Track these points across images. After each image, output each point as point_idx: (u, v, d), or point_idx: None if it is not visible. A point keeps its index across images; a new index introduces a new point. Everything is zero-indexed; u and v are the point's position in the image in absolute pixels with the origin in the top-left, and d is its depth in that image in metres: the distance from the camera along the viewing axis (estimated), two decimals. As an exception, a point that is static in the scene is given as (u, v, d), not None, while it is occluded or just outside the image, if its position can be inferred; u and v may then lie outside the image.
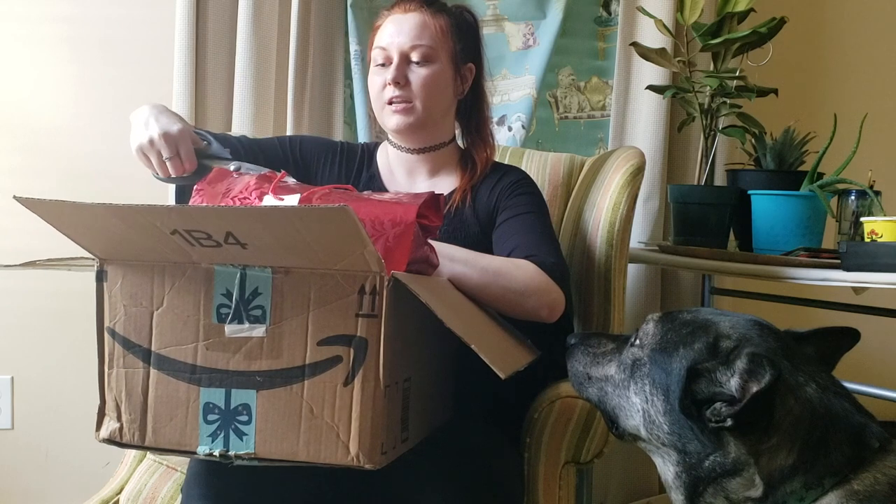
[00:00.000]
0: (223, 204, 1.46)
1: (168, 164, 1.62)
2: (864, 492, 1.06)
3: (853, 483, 1.07)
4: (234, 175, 1.56)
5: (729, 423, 1.09)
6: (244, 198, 1.47)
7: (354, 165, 1.94)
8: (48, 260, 1.32)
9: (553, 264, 1.66)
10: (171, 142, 1.61)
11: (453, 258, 1.57)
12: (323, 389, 1.20)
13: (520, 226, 1.77)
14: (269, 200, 1.43)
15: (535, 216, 1.81)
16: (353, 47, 2.54)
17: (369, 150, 1.98)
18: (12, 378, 2.59)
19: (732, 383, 1.09)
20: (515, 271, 1.61)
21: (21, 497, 2.61)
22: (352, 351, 1.19)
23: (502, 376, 1.19)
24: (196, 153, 1.65)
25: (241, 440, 1.23)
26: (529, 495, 1.73)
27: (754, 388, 1.07)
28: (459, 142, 1.96)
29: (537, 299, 1.61)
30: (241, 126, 2.44)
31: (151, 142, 1.61)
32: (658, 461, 1.21)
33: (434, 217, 1.45)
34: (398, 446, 1.31)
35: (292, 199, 1.43)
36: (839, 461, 1.08)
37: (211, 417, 1.24)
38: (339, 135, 2.58)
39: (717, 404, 1.10)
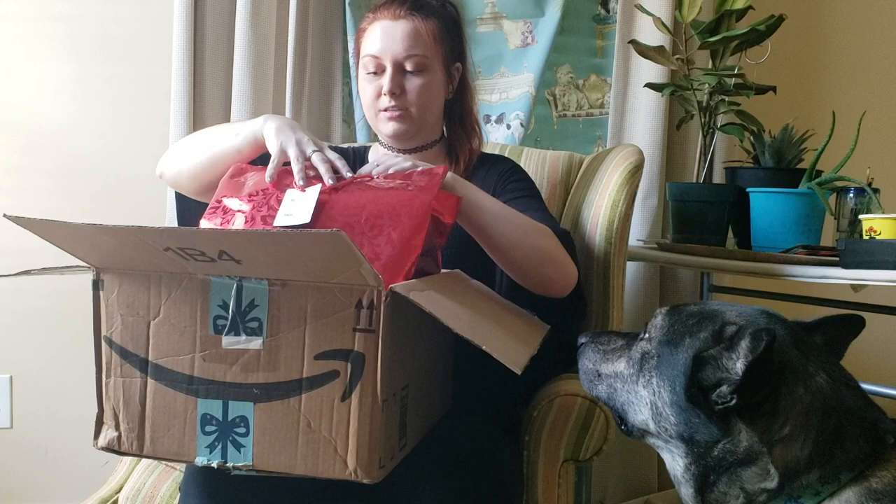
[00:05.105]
0: (247, 195, 1.49)
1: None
2: (883, 490, 1.05)
3: (871, 481, 1.06)
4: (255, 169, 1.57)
5: (733, 401, 1.08)
6: (265, 189, 1.50)
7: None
8: (43, 269, 1.31)
9: (565, 233, 1.69)
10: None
11: (492, 210, 1.60)
12: (320, 404, 1.20)
13: (524, 205, 1.78)
14: (293, 193, 1.45)
15: (536, 200, 1.85)
16: (352, 45, 2.53)
17: (360, 153, 2.01)
18: (11, 377, 2.59)
19: (738, 366, 1.08)
20: (543, 235, 1.63)
21: (20, 496, 2.61)
22: (349, 366, 1.18)
23: (518, 371, 1.18)
24: None
25: (239, 452, 1.23)
26: (529, 493, 1.73)
27: (750, 357, 1.06)
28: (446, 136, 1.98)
29: (552, 266, 1.63)
30: (239, 125, 2.44)
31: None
32: (667, 457, 1.21)
33: (447, 214, 1.47)
34: (396, 456, 1.31)
35: (312, 190, 1.45)
36: (855, 455, 1.07)
37: (209, 428, 1.24)
38: (337, 133, 2.58)
39: (723, 387, 1.09)
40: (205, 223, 1.48)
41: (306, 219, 1.39)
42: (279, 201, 1.46)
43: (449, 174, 1.58)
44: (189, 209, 1.81)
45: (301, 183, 1.50)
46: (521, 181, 1.89)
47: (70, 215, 1.26)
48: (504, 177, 1.88)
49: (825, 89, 3.04)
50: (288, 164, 1.57)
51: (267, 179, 1.52)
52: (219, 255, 1.16)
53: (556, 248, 1.64)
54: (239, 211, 1.46)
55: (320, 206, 1.43)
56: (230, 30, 2.47)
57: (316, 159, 1.53)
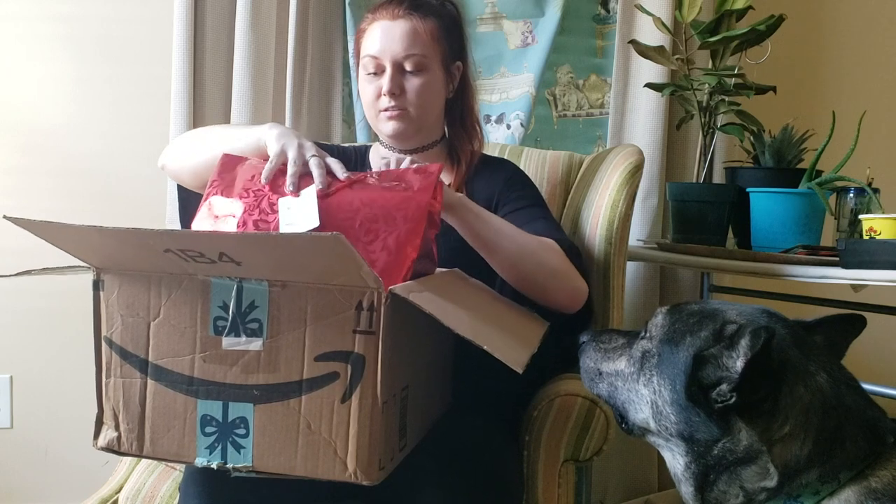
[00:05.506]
0: (237, 194, 1.47)
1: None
2: (883, 490, 1.05)
3: (870, 480, 1.06)
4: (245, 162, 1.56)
5: (733, 399, 1.08)
6: (257, 189, 1.48)
7: (350, 167, 1.92)
8: (43, 269, 1.31)
9: (572, 247, 1.69)
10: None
11: (495, 228, 1.61)
12: (320, 405, 1.20)
13: (528, 215, 1.78)
14: (287, 201, 1.44)
15: (540, 209, 1.84)
16: (352, 46, 2.52)
17: (360, 152, 2.01)
18: (11, 377, 2.59)
19: (738, 364, 1.08)
20: (549, 252, 1.64)
21: (20, 496, 2.61)
22: (349, 367, 1.18)
23: (520, 371, 1.18)
24: None
25: (239, 453, 1.23)
26: (529, 493, 1.73)
27: (749, 354, 1.06)
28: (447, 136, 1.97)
29: (559, 283, 1.62)
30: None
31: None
32: (667, 455, 1.21)
33: (437, 201, 1.46)
34: (396, 457, 1.31)
35: (309, 192, 1.43)
36: (855, 455, 1.08)
37: (208, 429, 1.24)
38: (337, 133, 2.58)
39: (723, 385, 1.09)
40: (197, 226, 1.47)
41: (315, 223, 1.38)
42: (271, 204, 1.44)
43: (457, 195, 1.59)
44: (189, 196, 1.82)
45: (291, 188, 1.48)
46: (525, 188, 1.89)
47: (70, 215, 1.26)
48: (507, 184, 1.87)
49: (825, 89, 3.04)
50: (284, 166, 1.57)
51: (262, 181, 1.51)
52: (219, 256, 1.16)
53: (563, 263, 1.64)
54: (230, 215, 1.45)
55: None
56: (230, 30, 2.47)
57: (312, 164, 1.51)
